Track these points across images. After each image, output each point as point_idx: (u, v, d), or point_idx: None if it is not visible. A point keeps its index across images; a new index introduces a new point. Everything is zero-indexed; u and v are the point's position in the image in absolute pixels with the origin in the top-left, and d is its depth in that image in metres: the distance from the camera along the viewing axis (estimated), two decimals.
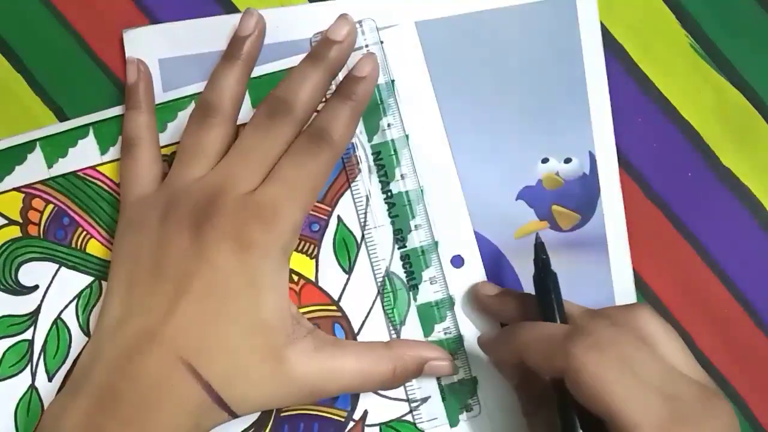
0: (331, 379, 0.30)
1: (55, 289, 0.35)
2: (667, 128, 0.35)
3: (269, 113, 0.31)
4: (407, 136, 0.34)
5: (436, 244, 0.34)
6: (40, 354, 0.35)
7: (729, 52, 0.35)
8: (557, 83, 0.34)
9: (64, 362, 0.34)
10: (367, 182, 0.34)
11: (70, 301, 0.35)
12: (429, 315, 0.34)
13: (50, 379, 0.34)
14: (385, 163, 0.34)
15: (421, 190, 0.34)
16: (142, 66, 0.34)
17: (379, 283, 0.34)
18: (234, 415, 0.29)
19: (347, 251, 0.34)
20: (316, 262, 0.34)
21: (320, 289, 0.34)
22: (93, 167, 0.35)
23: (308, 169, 0.30)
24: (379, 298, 0.34)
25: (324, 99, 0.33)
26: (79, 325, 0.35)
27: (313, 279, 0.34)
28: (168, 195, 0.31)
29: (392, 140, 0.34)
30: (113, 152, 0.35)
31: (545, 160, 0.35)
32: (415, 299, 0.34)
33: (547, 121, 0.34)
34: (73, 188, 0.35)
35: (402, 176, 0.34)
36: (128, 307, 0.30)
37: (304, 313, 0.34)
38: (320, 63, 0.32)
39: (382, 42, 0.34)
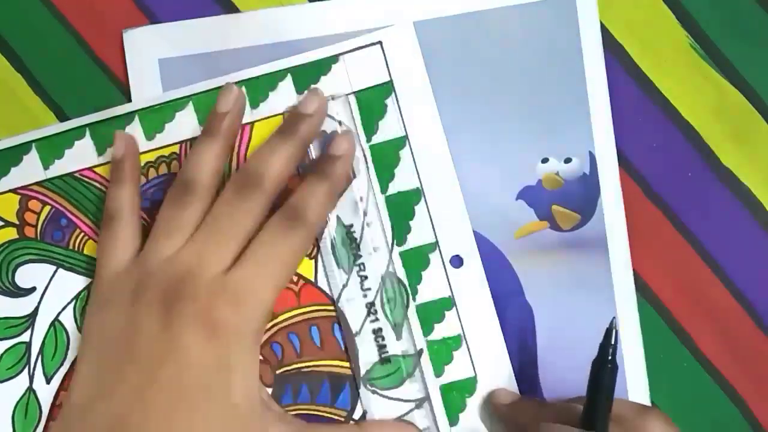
0: None
1: (53, 290, 0.35)
2: (667, 128, 0.35)
3: (239, 187, 0.31)
4: (407, 136, 0.34)
5: (435, 244, 0.34)
6: (37, 356, 0.34)
7: (729, 52, 0.35)
8: (557, 83, 0.34)
9: (62, 364, 0.34)
10: (365, 182, 0.34)
11: (68, 303, 0.34)
12: (429, 315, 0.34)
13: (48, 382, 0.34)
14: (384, 163, 0.34)
15: (421, 190, 0.34)
16: (129, 140, 0.34)
17: (378, 283, 0.34)
18: None
19: (346, 251, 0.34)
20: (315, 262, 0.34)
21: (319, 289, 0.34)
22: (90, 168, 0.35)
23: (282, 249, 0.30)
24: (378, 298, 0.34)
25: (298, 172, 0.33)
26: (77, 327, 0.34)
27: (313, 279, 0.34)
28: (139, 273, 0.31)
29: (391, 140, 0.34)
30: (110, 153, 0.35)
31: (545, 160, 0.34)
32: (414, 299, 0.34)
33: (547, 121, 0.34)
34: (69, 189, 0.35)
35: (401, 176, 0.34)
36: (97, 390, 0.30)
37: (304, 313, 0.34)
38: (290, 136, 0.32)
39: (356, 95, 0.34)
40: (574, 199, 0.34)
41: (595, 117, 0.34)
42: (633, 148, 0.35)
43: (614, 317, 0.29)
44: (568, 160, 0.34)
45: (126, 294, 0.30)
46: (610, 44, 0.35)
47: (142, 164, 0.34)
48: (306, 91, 0.33)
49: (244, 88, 0.34)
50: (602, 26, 0.35)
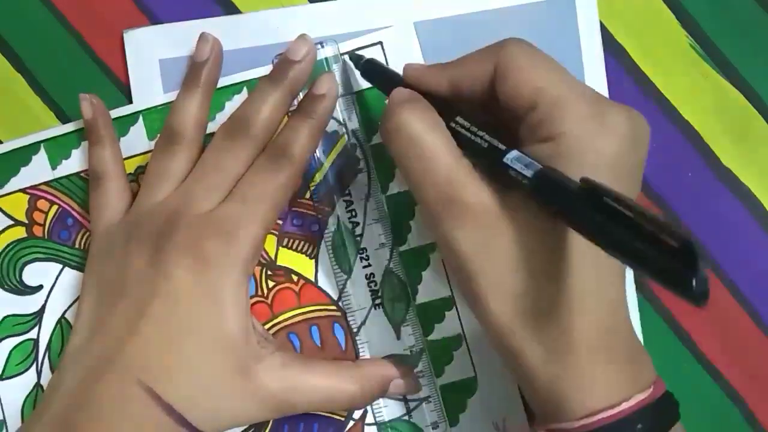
0: (299, 395, 0.30)
1: (59, 289, 0.35)
2: (667, 128, 0.35)
3: (228, 133, 0.31)
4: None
5: (435, 244, 0.34)
6: (45, 352, 0.35)
7: (729, 52, 0.35)
8: None
9: None
10: (365, 182, 0.34)
11: (74, 301, 0.35)
12: (429, 314, 0.34)
13: None
14: (384, 163, 0.34)
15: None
16: (94, 100, 0.34)
17: (378, 283, 0.34)
18: None
19: (347, 251, 0.34)
20: (316, 262, 0.34)
21: (320, 289, 0.34)
22: None
23: (268, 186, 0.30)
24: (378, 297, 0.34)
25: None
26: None
27: (313, 279, 0.34)
28: (132, 221, 0.32)
29: None
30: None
31: None
32: (414, 299, 0.34)
33: None
34: (76, 189, 0.35)
35: (400, 176, 0.34)
36: (91, 330, 0.31)
37: (304, 312, 0.34)
38: (279, 82, 0.32)
39: (342, 57, 0.34)
40: None
41: None
42: None
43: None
44: None
45: (120, 242, 0.31)
46: (610, 44, 0.35)
47: (144, 164, 0.34)
48: (296, 38, 0.33)
49: (220, 40, 0.34)
50: (602, 26, 0.35)
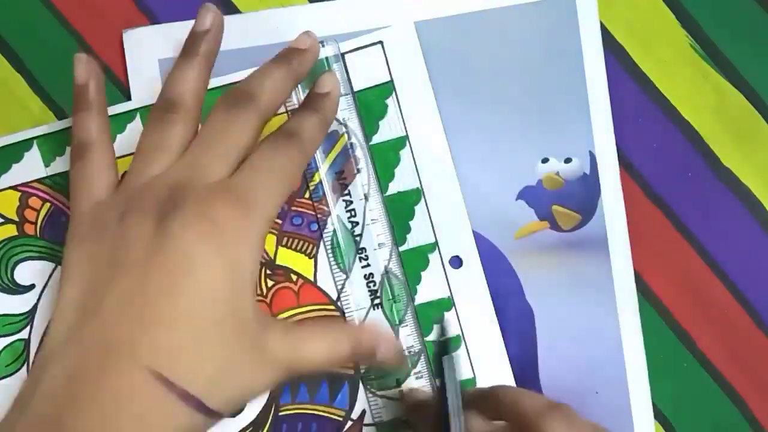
0: (303, 358, 0.28)
1: (52, 288, 0.35)
2: (667, 128, 0.35)
3: (232, 104, 0.29)
4: (407, 136, 0.34)
5: (435, 244, 0.34)
6: (36, 353, 0.34)
7: (729, 52, 0.35)
8: (557, 83, 0.34)
9: None
10: (365, 182, 0.34)
11: None
12: (428, 315, 0.34)
13: None
14: (384, 163, 0.34)
15: (421, 191, 0.34)
16: (92, 64, 0.31)
17: (377, 284, 0.34)
18: (219, 417, 0.26)
19: (345, 251, 0.34)
20: (315, 261, 0.34)
21: (319, 288, 0.34)
22: None
23: (280, 161, 0.28)
24: (377, 298, 0.34)
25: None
26: None
27: (312, 279, 0.34)
28: (127, 195, 0.28)
29: (391, 140, 0.34)
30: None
31: (545, 160, 0.34)
32: (413, 299, 0.34)
33: (547, 120, 0.34)
34: None
35: (401, 176, 0.34)
36: (81, 315, 0.26)
37: (303, 312, 0.34)
38: (284, 63, 0.30)
39: (343, 57, 0.34)
40: (575, 199, 0.34)
41: (595, 117, 0.34)
42: (633, 148, 0.35)
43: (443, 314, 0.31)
44: (568, 160, 0.34)
45: (112, 219, 0.27)
46: (610, 44, 0.35)
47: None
48: (300, 33, 0.32)
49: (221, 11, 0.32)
50: (602, 26, 0.35)
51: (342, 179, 0.34)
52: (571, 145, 0.34)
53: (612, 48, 0.35)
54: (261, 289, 0.34)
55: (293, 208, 0.34)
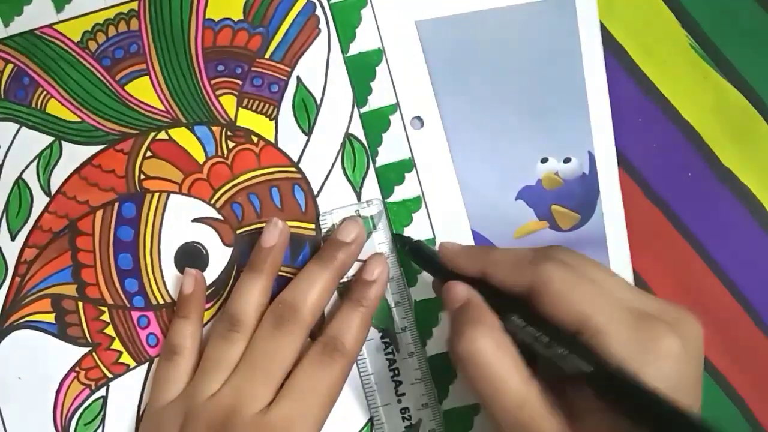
0: None
1: (16, 149, 0.34)
2: (667, 128, 0.35)
3: (276, 322, 0.31)
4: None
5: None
6: (2, 214, 0.34)
7: (729, 52, 0.35)
8: (557, 83, 0.34)
9: (25, 222, 0.34)
10: (326, 44, 0.34)
11: (31, 161, 0.34)
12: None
13: (13, 239, 0.34)
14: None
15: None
16: (198, 276, 0.34)
17: (339, 145, 0.34)
18: None
19: (307, 113, 0.34)
20: (276, 123, 0.34)
21: (280, 150, 0.34)
22: (50, 26, 0.34)
23: (321, 383, 0.30)
24: (338, 159, 0.34)
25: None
26: (40, 186, 0.34)
27: (273, 140, 0.34)
28: (186, 410, 0.31)
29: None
30: (69, 10, 0.34)
31: (545, 160, 0.35)
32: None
33: (547, 120, 0.34)
34: (32, 47, 0.34)
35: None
36: None
37: (264, 174, 0.34)
38: (328, 265, 0.32)
39: (386, 206, 0.34)
40: (574, 199, 0.34)
41: (595, 117, 0.34)
42: (633, 148, 0.35)
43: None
44: (567, 160, 0.34)
45: (173, 428, 0.31)
46: (610, 44, 0.35)
47: (101, 21, 0.34)
48: (345, 220, 0.33)
49: (287, 225, 0.33)
50: (602, 26, 0.35)
51: (303, 39, 0.34)
52: (571, 145, 0.34)
53: (612, 48, 0.35)
54: (221, 151, 0.34)
55: (253, 68, 0.34)
